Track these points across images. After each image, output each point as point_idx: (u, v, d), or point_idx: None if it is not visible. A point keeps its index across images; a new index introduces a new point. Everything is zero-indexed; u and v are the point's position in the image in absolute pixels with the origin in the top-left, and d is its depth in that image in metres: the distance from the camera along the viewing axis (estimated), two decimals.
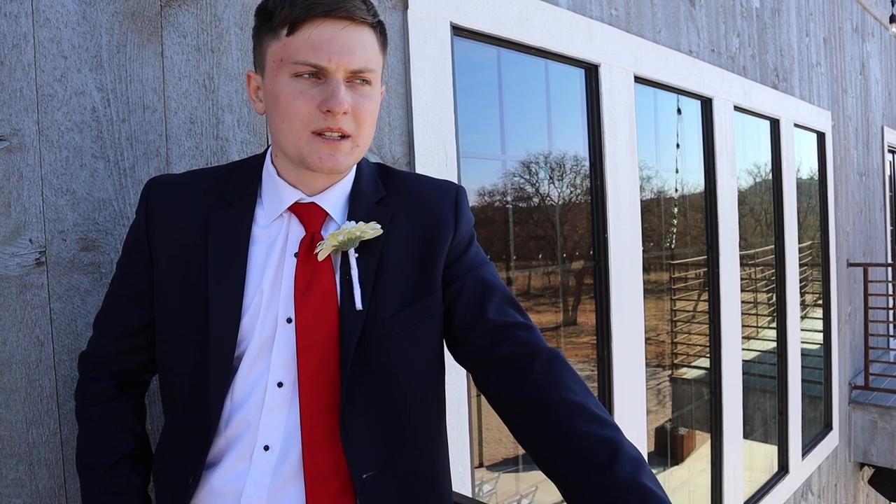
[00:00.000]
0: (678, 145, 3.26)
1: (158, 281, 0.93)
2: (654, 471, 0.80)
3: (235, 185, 0.95)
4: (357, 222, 0.90)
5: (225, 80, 1.33)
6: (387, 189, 0.97)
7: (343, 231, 0.88)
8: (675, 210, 3.20)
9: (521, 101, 2.27)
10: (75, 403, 1.01)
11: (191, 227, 0.92)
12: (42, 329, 1.09)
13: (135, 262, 0.96)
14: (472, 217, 1.00)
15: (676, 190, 3.23)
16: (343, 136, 0.84)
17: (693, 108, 3.22)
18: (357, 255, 0.89)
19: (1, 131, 1.04)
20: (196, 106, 1.28)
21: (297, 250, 0.91)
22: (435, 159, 1.78)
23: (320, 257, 0.88)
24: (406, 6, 1.70)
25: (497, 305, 0.92)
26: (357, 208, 0.93)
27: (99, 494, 0.96)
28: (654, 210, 3.03)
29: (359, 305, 0.87)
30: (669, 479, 3.20)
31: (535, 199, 2.38)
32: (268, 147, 0.98)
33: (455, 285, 0.93)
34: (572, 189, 2.51)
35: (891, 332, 6.36)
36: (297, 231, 0.92)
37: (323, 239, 0.91)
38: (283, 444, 0.87)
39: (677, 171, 3.26)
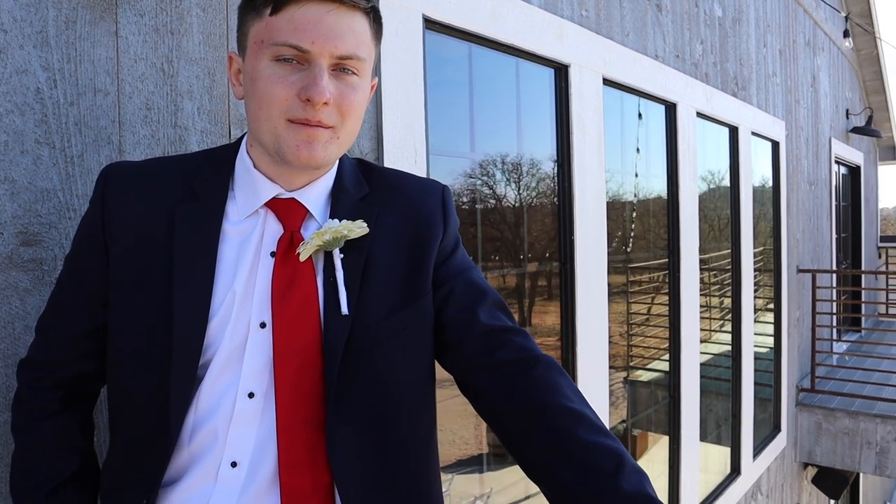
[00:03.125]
0: (638, 150, 3.28)
1: (114, 278, 0.84)
2: None
3: (204, 176, 0.86)
4: (341, 220, 0.83)
5: (185, 65, 1.23)
6: (370, 185, 0.91)
7: (329, 230, 0.81)
8: (634, 214, 3.22)
9: (492, 98, 2.23)
10: (12, 417, 0.90)
11: (153, 220, 0.83)
12: None
13: (86, 257, 0.86)
14: (458, 218, 0.95)
15: (635, 195, 3.25)
16: (321, 126, 0.78)
17: (657, 113, 3.24)
18: (342, 255, 0.83)
19: None
20: (153, 91, 1.19)
21: (273, 249, 0.83)
22: (404, 155, 1.71)
23: (302, 257, 0.82)
24: None
25: (488, 309, 0.87)
26: (340, 206, 0.86)
27: None
28: (611, 214, 3.03)
29: (344, 310, 0.81)
30: None
31: (503, 199, 2.34)
32: (243, 136, 0.91)
33: (444, 288, 0.88)
34: (539, 190, 2.48)
35: (834, 337, 6.59)
36: (275, 228, 0.85)
37: (302, 237, 0.84)
38: (252, 459, 0.80)
39: (637, 176, 3.28)
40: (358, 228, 0.83)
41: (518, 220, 2.41)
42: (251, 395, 0.80)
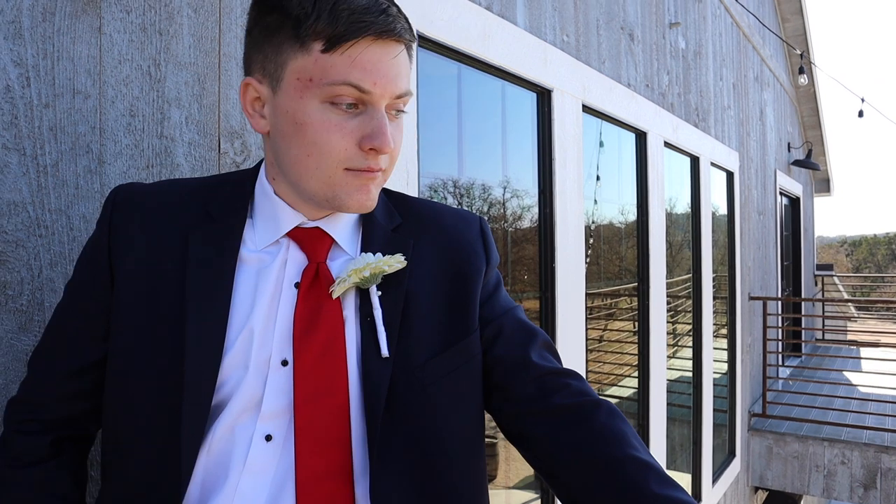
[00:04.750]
0: (598, 177, 3.29)
1: (119, 307, 0.74)
2: None
3: (221, 201, 0.78)
4: (376, 254, 0.75)
5: (174, 69, 1.12)
6: (402, 216, 0.83)
7: (368, 265, 0.73)
8: (591, 241, 3.22)
9: (478, 120, 2.17)
10: None
11: (165, 245, 0.75)
12: None
13: (90, 285, 0.77)
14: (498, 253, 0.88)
15: (593, 222, 3.26)
16: (378, 170, 0.72)
17: (628, 140, 3.26)
18: (380, 293, 0.74)
19: None
20: (138, 96, 1.06)
21: (297, 280, 0.75)
22: (396, 177, 1.63)
23: (335, 294, 0.73)
24: None
25: (539, 351, 0.80)
26: (373, 238, 0.79)
27: None
28: (586, 239, 3.01)
29: (384, 352, 0.72)
30: None
31: (490, 225, 2.28)
32: (260, 162, 0.81)
33: (492, 327, 0.80)
34: (522, 216, 2.43)
35: (780, 363, 6.79)
36: (298, 258, 0.76)
37: (329, 269, 0.75)
38: None
39: (595, 202, 3.29)
40: (397, 263, 0.75)
41: (503, 244, 2.34)
42: (269, 438, 0.71)
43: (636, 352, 3.39)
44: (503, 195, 2.30)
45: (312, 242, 0.76)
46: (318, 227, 0.77)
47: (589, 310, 3.17)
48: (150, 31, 1.08)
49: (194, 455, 0.70)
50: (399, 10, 0.71)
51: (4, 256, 0.90)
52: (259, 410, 0.71)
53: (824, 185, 10.54)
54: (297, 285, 0.74)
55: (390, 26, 0.67)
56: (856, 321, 12.06)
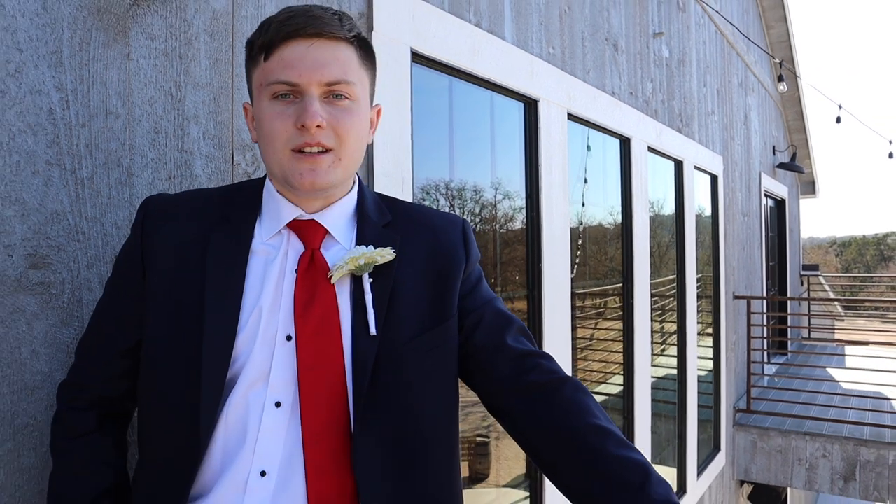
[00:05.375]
0: (586, 180, 3.42)
1: (151, 299, 0.87)
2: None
3: (236, 203, 0.92)
4: (368, 246, 0.88)
5: (192, 90, 1.24)
6: (392, 214, 0.96)
7: (363, 255, 0.86)
8: (579, 242, 3.35)
9: (470, 130, 2.30)
10: (51, 436, 0.93)
11: (189, 244, 0.89)
12: None
13: (127, 281, 0.91)
14: (479, 251, 1.00)
15: (581, 224, 3.39)
16: (324, 151, 0.84)
17: (613, 146, 3.40)
18: (371, 279, 0.87)
19: None
20: (161, 115, 1.19)
21: (296, 266, 0.88)
22: (392, 183, 1.75)
23: (334, 280, 0.86)
24: (371, 29, 1.68)
25: (515, 335, 0.92)
26: (365, 232, 0.92)
27: None
28: (572, 241, 3.14)
29: (373, 331, 0.85)
30: None
31: (479, 227, 2.41)
32: None
33: (473, 316, 0.92)
34: (510, 219, 2.56)
35: (765, 360, 6.96)
36: (298, 247, 0.90)
37: (324, 257, 0.89)
38: (281, 468, 0.82)
39: (584, 205, 3.42)
40: (387, 255, 0.88)
41: (490, 247, 2.47)
42: (278, 405, 0.83)
43: (622, 350, 3.53)
44: (494, 198, 2.43)
45: (308, 232, 0.89)
46: (313, 220, 0.90)
47: (576, 309, 3.30)
48: (171, 56, 1.21)
49: (212, 422, 0.82)
50: (333, 14, 0.84)
51: (48, 260, 1.02)
52: (268, 381, 0.83)
53: (810, 188, 10.74)
54: (295, 271, 0.87)
55: (312, 26, 0.82)
56: (843, 320, 12.27)
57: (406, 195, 1.80)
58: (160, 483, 0.84)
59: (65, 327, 1.04)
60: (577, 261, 3.30)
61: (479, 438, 2.48)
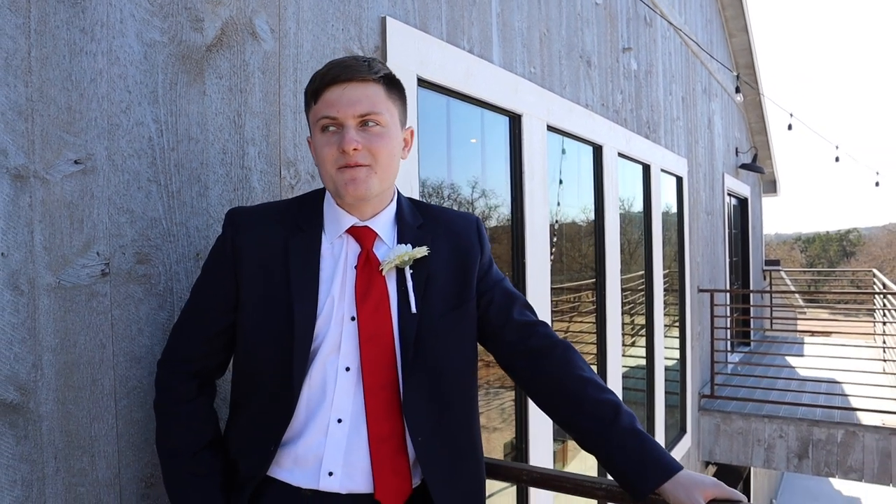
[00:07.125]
0: (561, 181, 3.75)
1: (245, 293, 1.13)
2: None
3: (304, 215, 1.18)
4: (408, 245, 1.16)
5: (250, 118, 1.52)
6: (423, 218, 1.23)
7: (405, 253, 1.13)
8: (554, 239, 3.68)
9: (464, 142, 2.60)
10: (157, 399, 1.18)
11: (270, 248, 1.15)
12: (104, 333, 1.22)
13: (219, 277, 1.16)
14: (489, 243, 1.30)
15: (556, 222, 3.72)
16: (361, 166, 1.09)
17: (586, 154, 3.73)
18: (411, 270, 1.15)
19: (79, 155, 1.17)
20: (227, 139, 1.46)
21: (356, 263, 1.15)
22: (402, 186, 2.04)
23: (385, 271, 1.13)
24: (385, 60, 1.96)
25: (519, 309, 1.22)
26: (405, 233, 1.19)
27: (186, 477, 1.13)
28: (551, 238, 3.46)
29: (413, 310, 1.13)
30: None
31: None
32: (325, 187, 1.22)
33: (487, 296, 1.21)
34: (498, 217, 2.87)
35: (728, 349, 7.40)
36: (355, 248, 1.16)
37: (376, 255, 1.16)
38: (352, 416, 1.10)
39: (559, 204, 3.75)
40: (422, 252, 1.16)
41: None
42: (347, 369, 1.11)
43: (595, 341, 3.86)
44: (485, 201, 2.74)
45: (363, 236, 1.16)
46: (366, 226, 1.16)
47: (553, 302, 3.62)
48: (234, 91, 1.48)
49: (301, 384, 1.10)
50: (364, 62, 1.09)
51: (150, 257, 1.29)
52: (339, 351, 1.11)
53: (771, 187, 11.29)
54: (355, 267, 1.14)
55: (345, 74, 1.08)
56: (804, 313, 12.89)
57: (414, 194, 2.09)
58: (257, 432, 1.12)
59: (161, 310, 1.32)
60: (552, 257, 3.63)
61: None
